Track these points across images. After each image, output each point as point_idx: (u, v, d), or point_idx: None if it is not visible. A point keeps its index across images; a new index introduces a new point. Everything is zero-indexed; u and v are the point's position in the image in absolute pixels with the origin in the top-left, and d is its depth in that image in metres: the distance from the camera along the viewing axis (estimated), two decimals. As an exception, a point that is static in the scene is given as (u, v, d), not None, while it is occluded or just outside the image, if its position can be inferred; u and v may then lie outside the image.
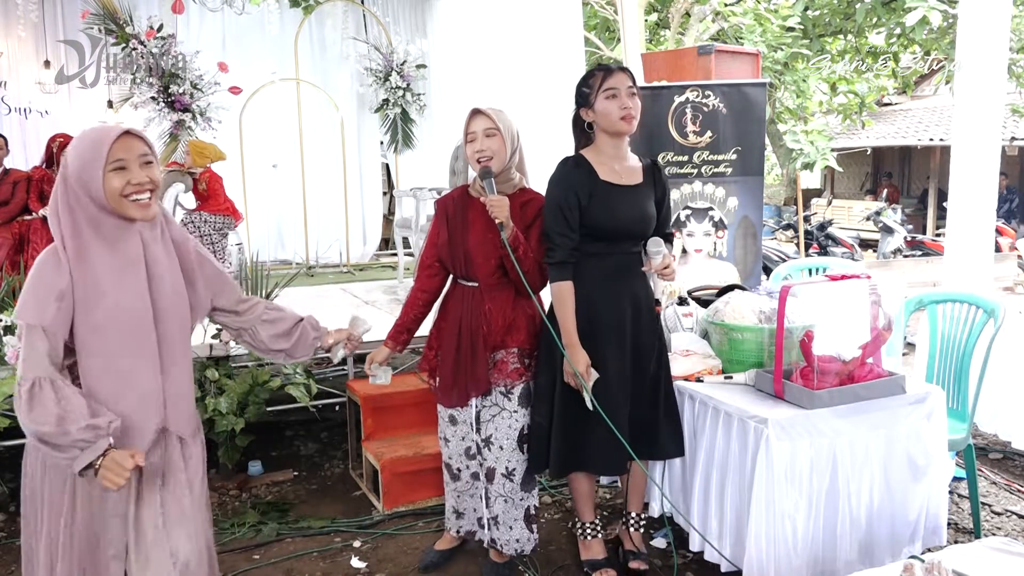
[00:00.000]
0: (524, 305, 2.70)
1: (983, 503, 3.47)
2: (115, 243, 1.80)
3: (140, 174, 1.78)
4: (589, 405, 2.55)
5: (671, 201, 2.84)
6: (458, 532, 2.97)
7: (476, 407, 2.72)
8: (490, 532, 2.80)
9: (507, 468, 2.70)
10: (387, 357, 2.77)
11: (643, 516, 2.97)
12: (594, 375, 2.58)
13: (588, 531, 2.90)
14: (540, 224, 2.63)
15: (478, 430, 2.73)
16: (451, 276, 2.78)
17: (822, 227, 10.81)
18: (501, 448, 2.69)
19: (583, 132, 2.68)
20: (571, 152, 2.70)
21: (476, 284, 2.67)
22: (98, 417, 1.71)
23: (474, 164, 2.62)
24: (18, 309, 1.75)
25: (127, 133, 1.78)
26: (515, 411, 2.68)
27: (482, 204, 2.61)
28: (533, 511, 2.79)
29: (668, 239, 2.77)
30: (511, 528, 2.75)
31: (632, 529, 2.94)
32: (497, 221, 2.50)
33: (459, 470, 2.85)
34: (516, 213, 2.61)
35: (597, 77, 2.58)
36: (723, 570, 2.64)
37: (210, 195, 5.70)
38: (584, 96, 2.62)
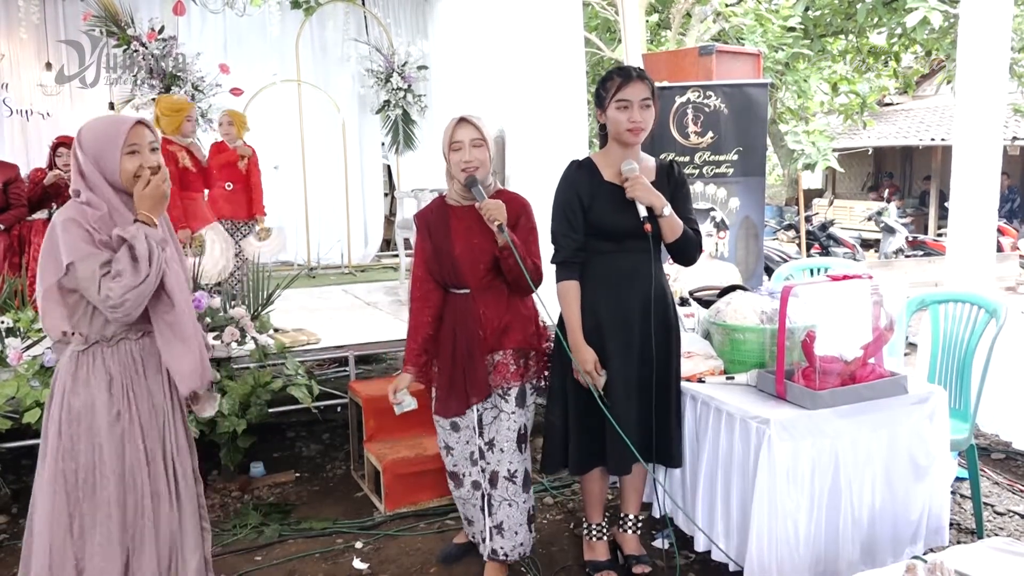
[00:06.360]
0: (518, 305, 2.70)
1: (985, 503, 3.46)
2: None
3: (151, 158, 2.03)
4: (600, 402, 2.57)
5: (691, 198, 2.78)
6: (473, 537, 2.96)
7: (477, 411, 2.70)
8: (491, 543, 2.74)
9: (509, 470, 2.69)
10: (410, 383, 2.76)
11: (640, 518, 2.96)
12: (602, 373, 2.59)
13: (594, 532, 2.90)
14: (523, 221, 2.66)
15: (481, 434, 2.72)
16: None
17: (823, 227, 10.82)
18: (502, 450, 2.68)
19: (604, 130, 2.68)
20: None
21: (467, 291, 2.67)
22: None
23: (459, 174, 2.62)
24: None
25: (139, 123, 2.04)
26: (512, 412, 2.68)
27: (462, 211, 2.66)
28: (532, 511, 2.79)
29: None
30: (516, 533, 2.72)
31: (630, 532, 2.94)
32: (496, 224, 2.50)
33: (463, 476, 2.81)
34: None
35: (614, 83, 2.55)
36: (731, 570, 2.64)
37: (249, 173, 5.32)
38: (600, 99, 2.61)
